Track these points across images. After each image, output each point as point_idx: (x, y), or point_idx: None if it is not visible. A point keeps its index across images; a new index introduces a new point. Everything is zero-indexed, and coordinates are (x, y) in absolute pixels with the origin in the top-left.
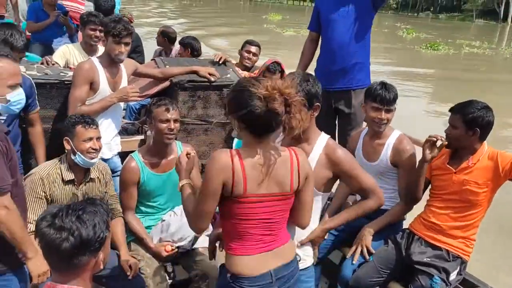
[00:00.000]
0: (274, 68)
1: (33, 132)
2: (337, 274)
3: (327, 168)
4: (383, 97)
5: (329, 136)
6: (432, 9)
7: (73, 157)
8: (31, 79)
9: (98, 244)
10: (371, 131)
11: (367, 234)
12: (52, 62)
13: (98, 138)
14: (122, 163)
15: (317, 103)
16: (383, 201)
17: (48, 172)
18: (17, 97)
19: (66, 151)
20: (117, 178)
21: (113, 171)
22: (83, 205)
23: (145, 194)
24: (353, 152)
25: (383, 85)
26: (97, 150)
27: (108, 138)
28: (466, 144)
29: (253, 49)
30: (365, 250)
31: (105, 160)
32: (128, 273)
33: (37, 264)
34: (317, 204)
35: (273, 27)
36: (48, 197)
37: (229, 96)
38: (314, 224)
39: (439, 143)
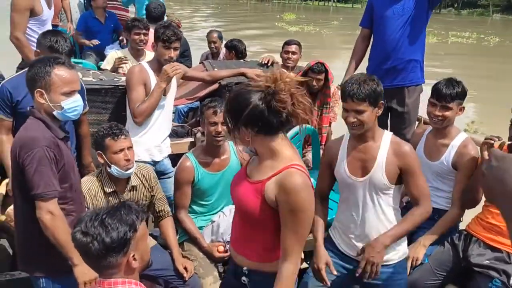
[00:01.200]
0: (318, 69)
1: (81, 132)
2: None
3: (395, 163)
4: (439, 92)
5: (392, 133)
6: (456, 5)
7: (109, 170)
8: (81, 81)
9: (123, 245)
10: (434, 130)
11: (421, 247)
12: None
13: (130, 148)
14: (172, 166)
15: (381, 101)
16: (430, 211)
17: (89, 187)
18: (72, 104)
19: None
20: (168, 180)
21: (163, 173)
22: (109, 209)
23: (199, 193)
24: (414, 148)
25: (448, 80)
26: (129, 161)
27: (159, 140)
28: None
29: (292, 48)
30: (417, 263)
31: (156, 163)
32: (185, 275)
33: (83, 271)
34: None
35: (283, 25)
36: None
37: (228, 104)
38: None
39: (497, 143)
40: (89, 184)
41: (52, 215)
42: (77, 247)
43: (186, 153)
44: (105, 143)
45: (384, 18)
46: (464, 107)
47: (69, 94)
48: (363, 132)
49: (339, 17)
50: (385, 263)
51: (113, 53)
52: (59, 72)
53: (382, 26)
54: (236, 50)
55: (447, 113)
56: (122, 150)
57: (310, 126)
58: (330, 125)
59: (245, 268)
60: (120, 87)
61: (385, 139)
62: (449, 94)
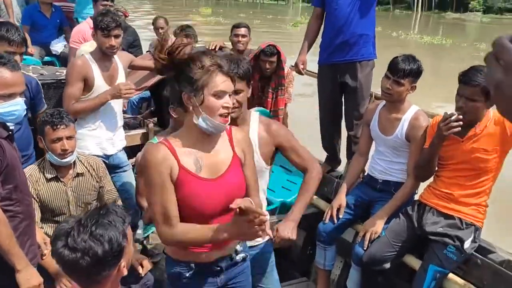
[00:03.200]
0: (270, 51)
1: None
2: (351, 252)
3: (269, 143)
4: (395, 66)
5: (258, 112)
6: None
7: (47, 156)
8: (37, 79)
9: (117, 257)
10: (387, 105)
11: (379, 221)
12: None
13: (70, 137)
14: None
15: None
16: (320, 171)
17: (30, 173)
18: (9, 108)
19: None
20: (124, 174)
21: (117, 167)
22: (95, 217)
23: None
24: (368, 124)
25: (406, 56)
26: (67, 151)
27: (110, 133)
28: (481, 114)
29: (242, 31)
30: (374, 236)
31: (108, 156)
32: (140, 271)
33: (26, 277)
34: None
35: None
36: (36, 197)
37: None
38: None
39: (454, 118)
40: (29, 171)
41: None
42: (63, 264)
43: (139, 144)
44: (45, 130)
45: None
46: (415, 86)
47: (7, 97)
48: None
49: (263, 14)
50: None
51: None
52: None
53: (334, 2)
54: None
55: (398, 88)
56: (60, 139)
57: (264, 109)
58: (285, 107)
59: (238, 246)
60: (62, 81)
61: (254, 119)
62: (403, 69)
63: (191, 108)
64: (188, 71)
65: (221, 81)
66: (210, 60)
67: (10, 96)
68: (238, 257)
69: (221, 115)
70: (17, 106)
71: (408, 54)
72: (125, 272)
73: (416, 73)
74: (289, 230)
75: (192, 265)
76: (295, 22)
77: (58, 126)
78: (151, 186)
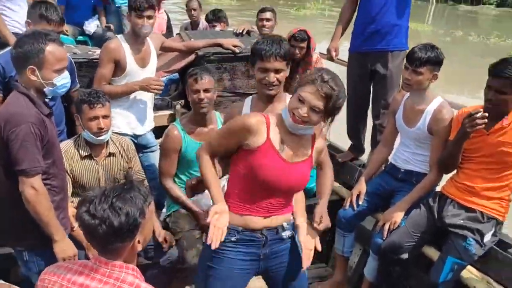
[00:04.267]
0: (301, 37)
1: (72, 110)
2: (370, 240)
3: None
4: (412, 56)
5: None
6: None
7: (82, 134)
8: (71, 58)
9: (132, 231)
10: (411, 95)
11: (399, 211)
12: None
13: (106, 117)
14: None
15: None
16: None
17: (65, 149)
18: (63, 80)
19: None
20: (151, 154)
21: (145, 147)
22: (119, 191)
23: (185, 163)
24: (394, 114)
25: (424, 45)
26: (102, 129)
27: (141, 114)
28: (510, 107)
29: (267, 15)
30: (394, 226)
31: (137, 136)
32: (164, 246)
33: (63, 248)
34: None
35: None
36: (69, 172)
37: None
38: None
39: (480, 115)
40: (65, 147)
41: (35, 191)
42: (83, 228)
43: (166, 125)
44: (82, 108)
45: None
46: (437, 75)
47: (60, 71)
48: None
49: None
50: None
51: None
52: (52, 49)
53: None
54: (220, 21)
55: (417, 78)
56: (96, 118)
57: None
58: None
59: (285, 223)
60: (94, 60)
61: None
62: (420, 57)
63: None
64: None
65: (309, 91)
66: (314, 74)
67: (62, 70)
68: (284, 234)
69: (297, 117)
70: (67, 78)
71: (426, 42)
72: (139, 248)
73: (435, 62)
74: (327, 218)
75: (240, 228)
76: (298, 7)
77: (95, 105)
78: (226, 128)
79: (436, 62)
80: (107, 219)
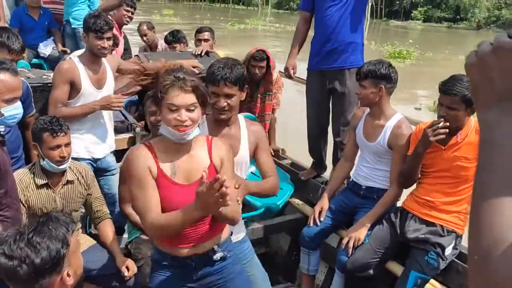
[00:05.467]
0: (260, 56)
1: (28, 135)
2: (335, 258)
3: (253, 142)
4: (357, 71)
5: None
6: None
7: (41, 163)
8: (27, 82)
9: (56, 264)
10: (371, 111)
11: (362, 228)
12: None
13: (67, 145)
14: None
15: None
16: (276, 188)
17: (20, 178)
18: (13, 111)
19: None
20: (112, 177)
21: (105, 170)
22: (34, 225)
23: None
24: (354, 129)
25: (371, 61)
26: (65, 158)
27: (100, 137)
28: (462, 122)
29: (205, 35)
30: (358, 243)
31: (96, 160)
32: (126, 274)
33: None
34: None
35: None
36: (24, 203)
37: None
38: None
39: (442, 124)
40: (20, 176)
41: None
42: (2, 271)
43: (126, 148)
44: (43, 137)
45: (325, 0)
46: (384, 89)
47: (11, 101)
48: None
49: (224, 16)
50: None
51: None
52: (4, 78)
53: (323, 10)
54: (180, 42)
55: (363, 91)
56: (59, 146)
57: (250, 114)
58: (273, 112)
59: (215, 246)
60: (49, 84)
61: (241, 121)
62: (360, 71)
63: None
64: (159, 83)
65: (174, 95)
66: (169, 76)
67: (13, 100)
68: (215, 256)
69: (175, 126)
70: (19, 109)
71: (377, 59)
72: (71, 282)
73: (376, 75)
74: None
75: (169, 257)
76: (232, 22)
77: (58, 134)
78: (133, 179)
79: (378, 76)
80: (26, 257)
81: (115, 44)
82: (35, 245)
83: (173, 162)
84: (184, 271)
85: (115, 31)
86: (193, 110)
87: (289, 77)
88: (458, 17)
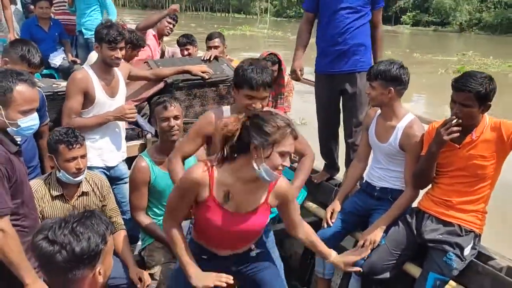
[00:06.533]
0: (271, 60)
1: (42, 144)
2: None
3: None
4: (368, 70)
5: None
6: None
7: (58, 175)
8: (42, 91)
9: (93, 258)
10: (382, 112)
11: (378, 230)
12: None
13: (83, 156)
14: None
15: None
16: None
17: (35, 189)
18: (30, 122)
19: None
20: (125, 185)
21: (118, 179)
22: (79, 217)
23: (156, 194)
24: (367, 129)
25: (383, 61)
26: (81, 170)
27: (113, 145)
28: (476, 119)
29: (215, 42)
30: (374, 246)
31: (110, 168)
32: (139, 286)
33: None
34: None
35: None
36: (39, 213)
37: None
38: None
39: (454, 122)
40: (36, 186)
41: (3, 233)
42: (40, 257)
43: (136, 155)
44: (59, 149)
45: (333, 2)
46: (395, 90)
47: (27, 112)
48: None
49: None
50: None
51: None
52: (21, 90)
53: (330, 11)
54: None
55: (372, 92)
56: (75, 158)
57: None
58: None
59: (252, 246)
60: (59, 93)
61: None
62: (372, 72)
63: (254, 156)
64: (264, 126)
65: (289, 143)
66: (284, 122)
67: (30, 111)
68: (252, 253)
69: (278, 170)
70: (35, 120)
71: (389, 59)
72: (101, 280)
73: (386, 76)
74: None
75: (209, 253)
76: (221, 29)
77: (74, 146)
78: (177, 188)
79: (388, 78)
80: (68, 244)
81: (138, 47)
82: (78, 234)
83: (229, 191)
84: (223, 264)
85: (152, 39)
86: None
87: (297, 79)
88: (445, 20)
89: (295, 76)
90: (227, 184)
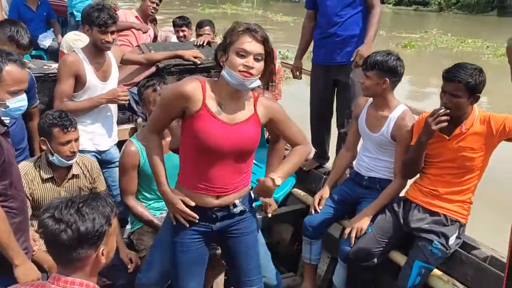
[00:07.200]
0: None
1: (31, 126)
2: (337, 247)
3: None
4: (364, 60)
5: None
6: None
7: (50, 158)
8: (32, 73)
9: (97, 238)
10: (374, 101)
11: (365, 218)
12: None
13: (77, 139)
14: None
15: None
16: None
17: (26, 171)
18: (18, 103)
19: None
20: (116, 169)
21: (109, 162)
22: (85, 198)
23: (145, 179)
24: (356, 119)
25: (379, 51)
26: (75, 153)
27: (104, 129)
28: (465, 110)
29: (205, 30)
30: (360, 233)
31: (101, 152)
32: (129, 266)
33: (24, 272)
34: None
35: None
36: (29, 196)
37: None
38: None
39: (442, 111)
40: (26, 169)
41: None
42: (45, 236)
43: (126, 139)
44: (53, 132)
45: None
46: (389, 81)
47: (16, 93)
48: None
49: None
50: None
51: (69, 35)
52: (11, 70)
53: (323, 4)
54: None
55: (367, 81)
56: (69, 142)
57: None
58: None
59: (237, 200)
60: (50, 75)
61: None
62: (369, 61)
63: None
64: (225, 35)
65: (246, 41)
66: (243, 25)
67: (18, 92)
68: (235, 210)
69: (240, 71)
70: (24, 101)
71: (386, 50)
72: (103, 261)
73: (383, 67)
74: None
75: (192, 204)
76: (204, 7)
77: (69, 129)
78: (162, 98)
79: (385, 69)
80: (74, 223)
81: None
82: (84, 214)
83: (220, 103)
84: (204, 221)
85: (135, 20)
86: (260, 60)
87: (296, 77)
88: (426, 0)
89: (293, 75)
90: (217, 96)
